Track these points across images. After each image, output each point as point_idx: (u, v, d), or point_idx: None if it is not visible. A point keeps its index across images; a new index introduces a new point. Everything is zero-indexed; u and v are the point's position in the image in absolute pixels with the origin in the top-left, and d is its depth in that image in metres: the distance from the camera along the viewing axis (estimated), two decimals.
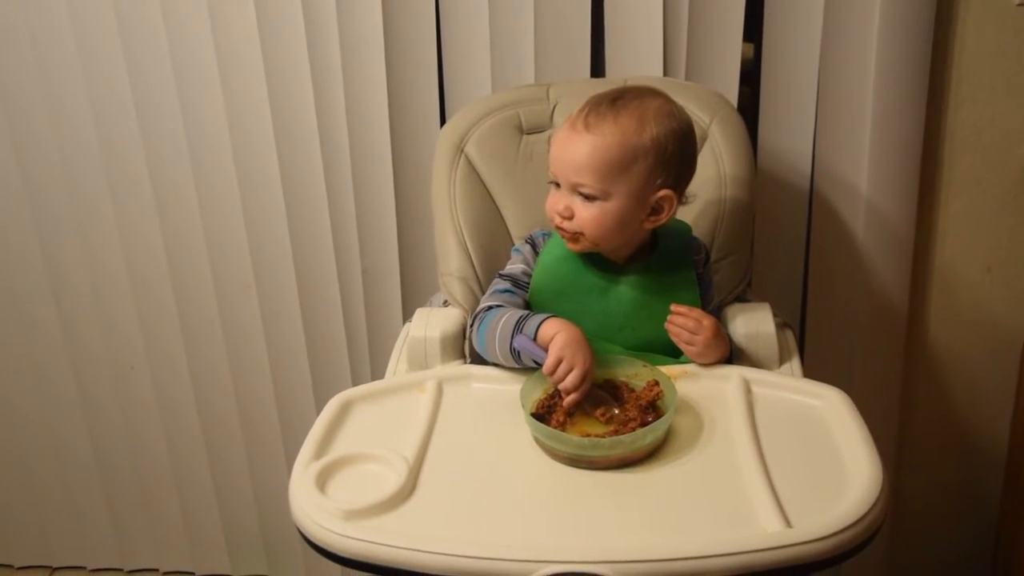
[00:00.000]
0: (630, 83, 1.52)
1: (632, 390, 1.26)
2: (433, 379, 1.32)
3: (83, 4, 1.79)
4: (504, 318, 1.30)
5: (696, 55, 1.74)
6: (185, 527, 2.26)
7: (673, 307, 1.33)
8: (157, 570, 2.33)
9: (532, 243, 1.42)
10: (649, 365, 1.28)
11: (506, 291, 1.38)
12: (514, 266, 1.41)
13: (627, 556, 0.98)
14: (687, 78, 1.74)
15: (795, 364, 1.37)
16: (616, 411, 1.23)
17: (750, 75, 1.78)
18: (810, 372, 1.36)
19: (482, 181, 1.58)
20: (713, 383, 1.30)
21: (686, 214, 1.46)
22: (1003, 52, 1.71)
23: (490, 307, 1.35)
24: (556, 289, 1.38)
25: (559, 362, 1.22)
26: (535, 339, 1.26)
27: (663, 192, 1.30)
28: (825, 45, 1.71)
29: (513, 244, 1.54)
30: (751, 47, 1.78)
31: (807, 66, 1.74)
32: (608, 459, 1.14)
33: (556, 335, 1.24)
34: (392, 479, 1.12)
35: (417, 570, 1.01)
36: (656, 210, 1.31)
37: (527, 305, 1.38)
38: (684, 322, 1.32)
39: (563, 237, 1.34)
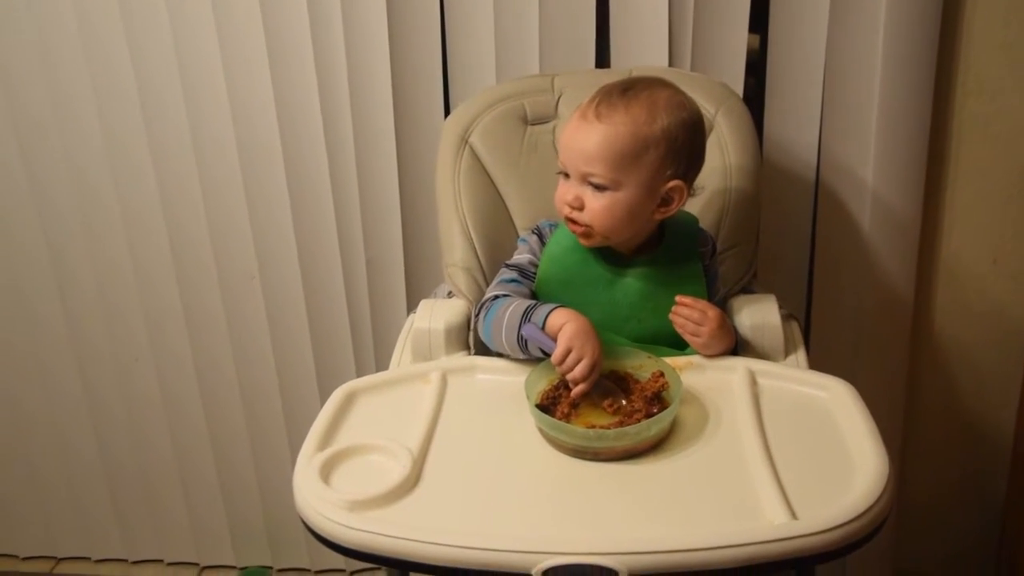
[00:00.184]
0: (636, 74, 1.52)
1: (637, 381, 1.26)
2: (437, 370, 1.32)
3: None
4: (511, 307, 1.30)
5: (701, 46, 1.73)
6: (189, 518, 2.26)
7: (678, 298, 1.33)
8: (161, 561, 2.33)
9: (539, 233, 1.42)
10: (654, 356, 1.27)
11: (512, 281, 1.38)
12: (521, 256, 1.41)
13: (632, 548, 0.98)
14: (692, 69, 1.74)
15: (800, 355, 1.37)
16: (623, 402, 1.22)
17: (756, 66, 1.78)
18: (815, 363, 1.35)
19: (486, 172, 1.58)
20: (718, 374, 1.29)
21: (692, 205, 1.45)
22: (1011, 44, 1.70)
23: (497, 296, 1.35)
24: (562, 280, 1.37)
25: (568, 352, 1.22)
26: (543, 328, 1.26)
27: (673, 183, 1.30)
28: (831, 36, 1.70)
29: (517, 235, 1.54)
30: (757, 38, 1.77)
31: (813, 57, 1.73)
32: (613, 451, 1.13)
33: (565, 325, 1.24)
34: (396, 470, 1.12)
35: (421, 561, 1.01)
36: (666, 201, 1.31)
37: (533, 295, 1.38)
38: (689, 313, 1.32)
39: (574, 231, 1.34)
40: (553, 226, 1.42)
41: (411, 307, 1.70)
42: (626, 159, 1.27)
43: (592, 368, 1.22)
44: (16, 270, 2.05)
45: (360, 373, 2.02)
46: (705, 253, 1.42)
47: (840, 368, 1.36)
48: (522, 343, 1.28)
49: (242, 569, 2.29)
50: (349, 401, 1.27)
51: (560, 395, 1.23)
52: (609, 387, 1.24)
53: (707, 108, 1.54)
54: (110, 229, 1.98)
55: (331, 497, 1.07)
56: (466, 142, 1.57)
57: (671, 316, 1.33)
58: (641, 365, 1.27)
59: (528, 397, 1.20)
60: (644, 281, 1.36)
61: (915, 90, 1.70)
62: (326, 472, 1.12)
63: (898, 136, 1.73)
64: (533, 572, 0.97)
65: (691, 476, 1.11)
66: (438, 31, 1.78)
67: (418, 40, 1.78)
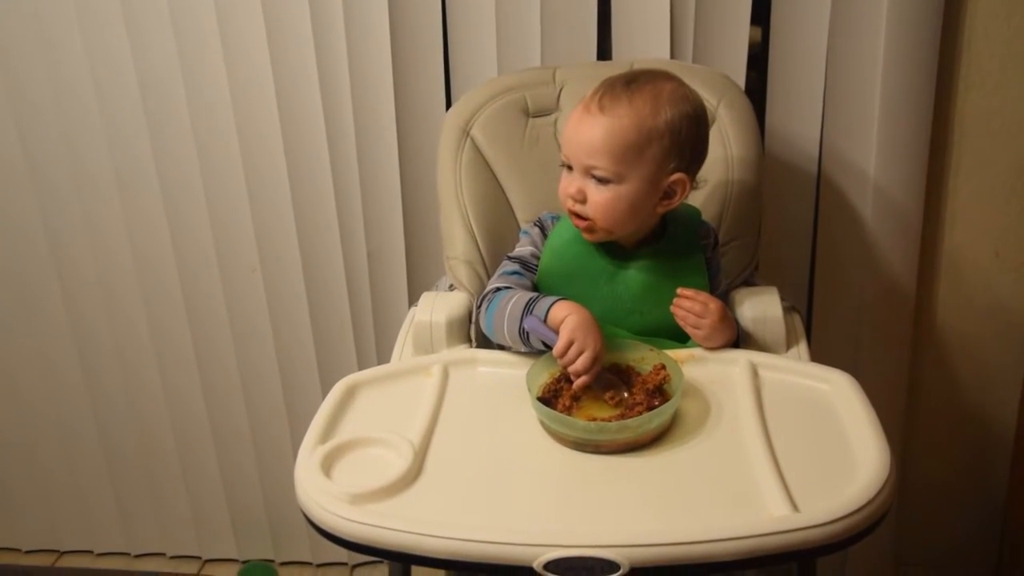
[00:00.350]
0: (637, 66, 1.51)
1: (639, 374, 1.26)
2: (439, 363, 1.32)
3: None
4: (513, 299, 1.30)
5: (703, 38, 1.73)
6: (191, 511, 2.26)
7: (679, 291, 1.32)
8: (163, 554, 2.33)
9: (541, 226, 1.42)
10: (656, 349, 1.27)
11: (514, 273, 1.38)
12: (523, 248, 1.41)
13: (633, 540, 0.98)
14: (694, 61, 1.73)
15: (802, 348, 1.37)
16: (625, 395, 1.22)
17: (758, 59, 1.77)
18: (817, 356, 1.35)
19: (488, 164, 1.57)
20: (720, 367, 1.29)
21: (694, 198, 1.45)
22: (1013, 37, 1.69)
23: (498, 288, 1.35)
24: (564, 272, 1.37)
25: (570, 344, 1.22)
26: (545, 321, 1.26)
27: (676, 176, 1.30)
28: (833, 28, 1.70)
29: (519, 228, 1.53)
30: (759, 30, 1.77)
31: (815, 50, 1.73)
32: (614, 443, 1.13)
33: (567, 317, 1.24)
34: (397, 463, 1.12)
35: (422, 554, 1.01)
36: (669, 194, 1.31)
37: (535, 287, 1.38)
38: (691, 306, 1.31)
39: (577, 225, 1.34)
40: (555, 218, 1.42)
41: (413, 300, 1.69)
42: (630, 152, 1.27)
43: (594, 361, 1.22)
44: (18, 265, 2.05)
45: (362, 366, 2.02)
46: (707, 246, 1.42)
47: (842, 360, 1.36)
48: (524, 335, 1.28)
49: (244, 562, 2.29)
50: (350, 394, 1.27)
51: (561, 388, 1.23)
52: (611, 380, 1.24)
53: (709, 100, 1.53)
54: (111, 222, 1.98)
55: (332, 490, 1.07)
56: (467, 134, 1.57)
57: (672, 309, 1.33)
58: (643, 358, 1.27)
59: (529, 390, 1.20)
60: (646, 274, 1.36)
61: (917, 83, 1.70)
62: (327, 465, 1.12)
63: (900, 129, 1.73)
64: (535, 565, 0.97)
65: (693, 469, 1.11)
66: (439, 23, 1.78)
67: (419, 32, 1.78)
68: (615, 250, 1.37)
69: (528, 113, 1.61)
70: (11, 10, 1.82)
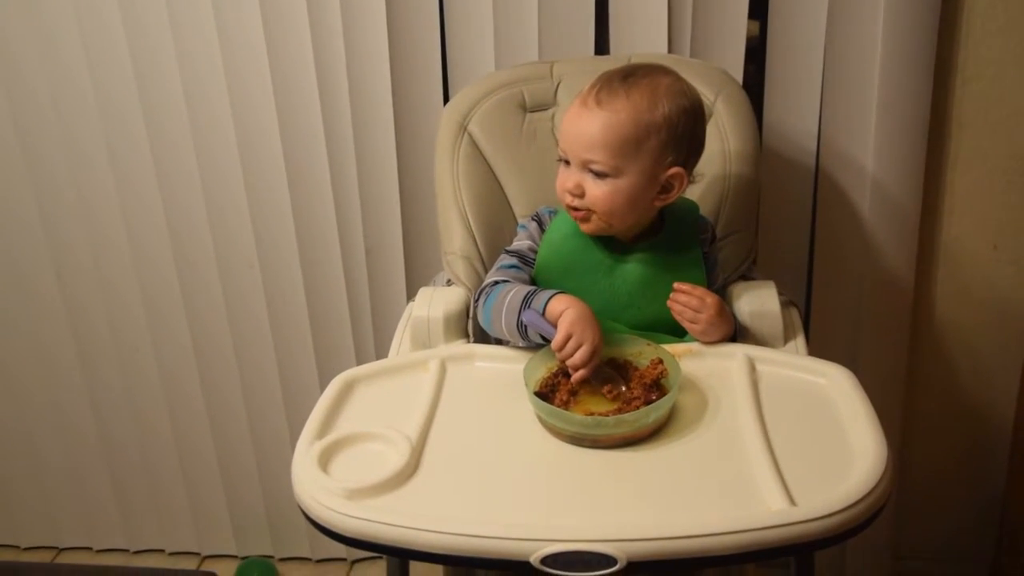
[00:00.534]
0: (635, 60, 1.51)
1: (636, 368, 1.26)
2: (436, 358, 1.32)
3: None
4: (512, 293, 1.30)
5: (701, 32, 1.73)
6: (191, 508, 2.26)
7: (676, 285, 1.32)
8: (163, 551, 2.33)
9: (538, 220, 1.42)
10: (653, 343, 1.27)
11: (512, 267, 1.38)
12: (520, 242, 1.41)
13: (631, 535, 0.98)
14: (692, 55, 1.73)
15: (800, 342, 1.37)
16: (623, 389, 1.22)
17: (755, 53, 1.77)
18: (815, 350, 1.35)
19: (485, 159, 1.57)
20: (717, 361, 1.29)
21: (691, 192, 1.45)
22: (1011, 29, 1.69)
23: (496, 282, 1.35)
24: (562, 266, 1.37)
25: (568, 338, 1.22)
26: (544, 314, 1.25)
27: (674, 170, 1.29)
28: (831, 22, 1.70)
29: (516, 222, 1.53)
30: (756, 24, 1.76)
31: (813, 43, 1.72)
32: (612, 438, 1.13)
33: (565, 311, 1.23)
34: (395, 458, 1.12)
35: (420, 549, 1.01)
36: (666, 188, 1.31)
37: (533, 281, 1.38)
38: (687, 300, 1.31)
39: (574, 217, 1.34)
40: (553, 213, 1.42)
41: (410, 295, 1.69)
42: (627, 146, 1.26)
43: (592, 354, 1.22)
44: (16, 264, 2.05)
45: (360, 361, 2.01)
46: (705, 240, 1.42)
47: (840, 354, 1.36)
48: (522, 329, 1.28)
49: (243, 558, 2.29)
50: (348, 389, 1.27)
51: (558, 383, 1.23)
52: (609, 374, 1.24)
53: (706, 94, 1.53)
54: (110, 219, 1.97)
55: (329, 485, 1.07)
56: (465, 129, 1.57)
57: (669, 303, 1.33)
58: (640, 352, 1.27)
59: (526, 385, 1.20)
60: (644, 268, 1.36)
61: (915, 76, 1.70)
62: (324, 460, 1.12)
63: (898, 122, 1.72)
64: (532, 559, 0.98)
65: (690, 463, 1.11)
66: (437, 18, 1.78)
67: (417, 27, 1.78)
68: (613, 244, 1.36)
69: (525, 108, 1.61)
70: (8, 1, 1.81)
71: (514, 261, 1.39)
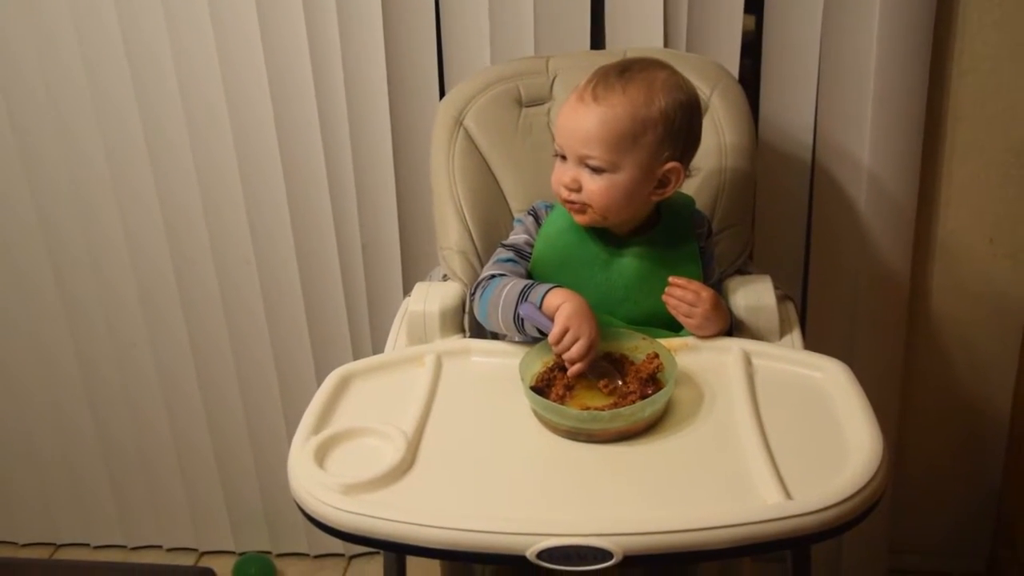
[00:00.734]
0: (631, 55, 1.51)
1: (632, 363, 1.26)
2: (432, 353, 1.32)
3: None
4: (508, 286, 1.30)
5: (697, 26, 1.73)
6: (188, 504, 2.26)
7: (671, 279, 1.32)
8: (160, 547, 2.33)
9: (534, 214, 1.42)
10: (649, 338, 1.27)
11: (509, 260, 1.38)
12: (517, 236, 1.41)
13: (627, 529, 0.98)
14: (688, 50, 1.73)
15: (796, 336, 1.37)
16: (619, 383, 1.22)
17: (751, 47, 1.77)
18: (811, 344, 1.35)
19: (481, 154, 1.57)
20: (713, 355, 1.29)
21: (687, 186, 1.45)
22: (1007, 22, 1.69)
23: (493, 276, 1.34)
24: (558, 261, 1.37)
25: (565, 331, 1.22)
26: (540, 308, 1.25)
27: (670, 164, 1.29)
28: (827, 16, 1.70)
29: (512, 217, 1.53)
30: (752, 18, 1.76)
31: (809, 37, 1.72)
32: (608, 432, 1.13)
33: (562, 305, 1.23)
34: (391, 453, 1.12)
35: (416, 544, 1.01)
36: (663, 183, 1.31)
37: (529, 275, 1.38)
38: (683, 294, 1.31)
39: (570, 210, 1.34)
40: (549, 207, 1.42)
41: (407, 290, 1.69)
42: (624, 141, 1.26)
43: (589, 348, 1.21)
44: (13, 261, 2.05)
45: (356, 356, 2.01)
46: (701, 235, 1.42)
47: (836, 348, 1.36)
48: (519, 322, 1.28)
49: (241, 554, 2.29)
50: (344, 384, 1.27)
51: (554, 377, 1.23)
52: (605, 368, 1.24)
53: (702, 88, 1.53)
54: (107, 215, 1.97)
55: (326, 481, 1.07)
56: (460, 124, 1.57)
57: (664, 297, 1.33)
58: (636, 346, 1.27)
59: (522, 379, 1.20)
60: (640, 262, 1.36)
61: (910, 69, 1.69)
62: (321, 456, 1.12)
63: (894, 116, 1.72)
64: (528, 553, 0.98)
65: (686, 457, 1.11)
66: (432, 12, 1.77)
67: (413, 22, 1.78)
68: (609, 238, 1.36)
69: (521, 103, 1.60)
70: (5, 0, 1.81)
71: (510, 255, 1.39)
